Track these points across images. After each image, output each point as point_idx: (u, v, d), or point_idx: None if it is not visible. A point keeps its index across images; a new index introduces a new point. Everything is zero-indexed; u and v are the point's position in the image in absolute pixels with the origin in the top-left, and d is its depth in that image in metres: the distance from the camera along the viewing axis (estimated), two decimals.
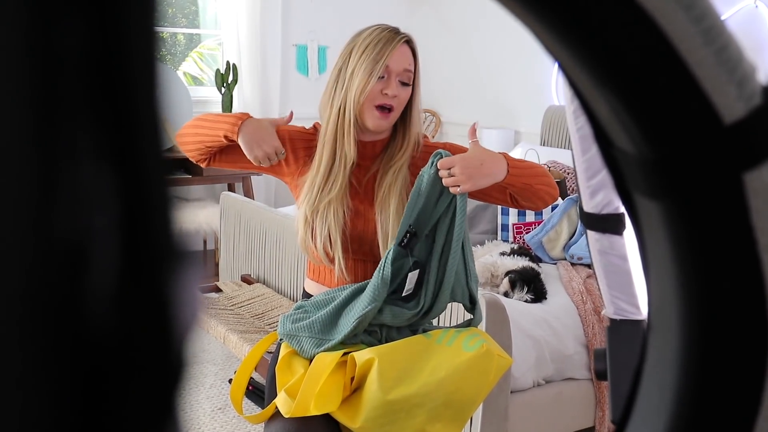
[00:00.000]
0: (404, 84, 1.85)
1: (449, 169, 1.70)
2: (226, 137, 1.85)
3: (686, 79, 0.36)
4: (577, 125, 0.77)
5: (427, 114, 6.17)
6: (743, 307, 0.38)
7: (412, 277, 1.73)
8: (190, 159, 2.00)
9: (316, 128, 1.96)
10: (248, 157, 1.85)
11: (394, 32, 1.86)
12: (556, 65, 0.42)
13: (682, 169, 0.38)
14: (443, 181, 1.70)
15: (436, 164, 1.72)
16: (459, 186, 1.69)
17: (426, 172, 1.74)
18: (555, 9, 0.35)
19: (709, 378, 0.40)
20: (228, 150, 1.93)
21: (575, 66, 0.37)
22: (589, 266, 3.32)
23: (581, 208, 0.83)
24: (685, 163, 0.37)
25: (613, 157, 0.41)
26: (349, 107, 1.83)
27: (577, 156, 0.80)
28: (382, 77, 1.83)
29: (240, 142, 1.83)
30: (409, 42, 1.87)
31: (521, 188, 1.80)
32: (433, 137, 5.93)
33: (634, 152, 0.39)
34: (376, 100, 1.82)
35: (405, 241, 1.71)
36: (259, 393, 3.10)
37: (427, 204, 1.73)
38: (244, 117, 1.87)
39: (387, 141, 1.92)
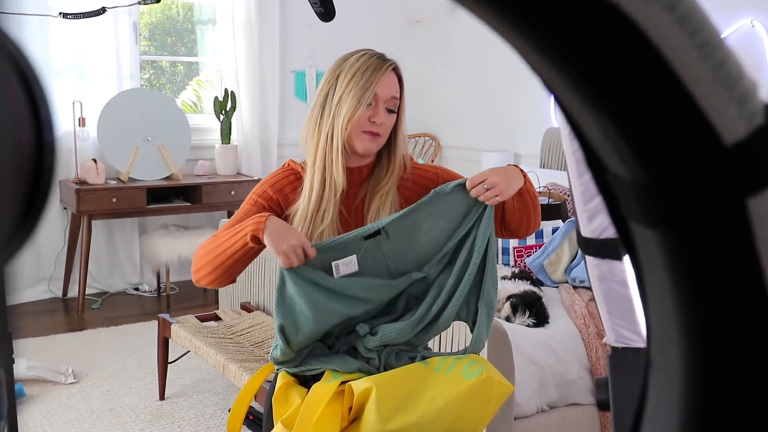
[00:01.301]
0: (390, 111, 1.85)
1: (482, 183, 1.76)
2: (253, 238, 1.77)
3: (682, 97, 0.33)
4: (572, 148, 0.75)
5: (427, 138, 6.16)
6: (750, 343, 0.35)
7: (350, 260, 1.77)
8: (219, 287, 1.94)
9: (289, 165, 1.95)
10: (275, 251, 1.76)
11: (382, 59, 1.85)
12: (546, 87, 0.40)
13: (680, 194, 0.35)
14: (482, 196, 1.76)
15: (464, 185, 1.78)
16: (499, 195, 1.75)
17: (442, 191, 1.80)
18: (539, 26, 0.33)
19: (714, 421, 0.37)
20: (254, 255, 1.87)
21: (563, 86, 0.35)
22: (591, 289, 3.29)
23: (579, 233, 0.81)
24: (684, 189, 0.35)
25: (607, 183, 0.39)
26: (336, 134, 1.82)
27: (573, 179, 0.77)
28: (370, 104, 1.82)
29: (266, 238, 1.75)
30: (395, 69, 1.87)
31: (531, 198, 1.85)
32: (433, 161, 5.91)
33: (629, 177, 0.36)
34: (363, 127, 1.82)
35: (370, 235, 1.77)
36: (259, 422, 3.06)
37: (439, 224, 1.79)
38: (265, 215, 1.80)
39: (372, 165, 1.91)
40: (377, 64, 1.83)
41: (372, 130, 1.82)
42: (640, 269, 0.40)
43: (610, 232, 0.78)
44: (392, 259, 1.79)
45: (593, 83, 0.33)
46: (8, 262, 0.25)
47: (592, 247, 0.79)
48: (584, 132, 0.38)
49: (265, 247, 1.79)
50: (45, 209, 0.31)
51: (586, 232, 0.79)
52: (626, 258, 0.82)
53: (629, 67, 0.33)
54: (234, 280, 1.89)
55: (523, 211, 1.87)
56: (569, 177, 0.78)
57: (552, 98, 0.74)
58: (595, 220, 0.77)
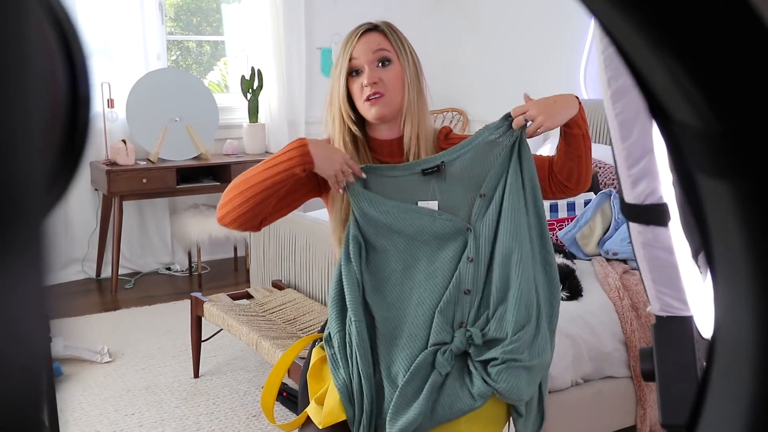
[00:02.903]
0: (384, 63, 1.78)
1: (524, 114, 1.72)
2: (302, 167, 1.69)
3: (761, 34, 0.30)
4: (615, 110, 0.72)
5: (455, 113, 6.11)
6: None
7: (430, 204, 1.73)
8: (241, 228, 1.80)
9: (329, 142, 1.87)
10: (325, 175, 1.70)
11: (353, 31, 1.81)
12: (598, 38, 0.37)
13: (757, 141, 0.32)
14: (526, 131, 1.72)
15: (510, 123, 1.74)
16: (541, 127, 1.70)
17: (490, 131, 1.76)
18: None
19: None
20: (286, 195, 1.79)
21: (631, 28, 0.32)
22: (625, 261, 3.25)
23: (622, 200, 0.78)
24: (761, 134, 0.31)
25: (672, 133, 0.36)
26: (342, 113, 1.79)
27: (616, 144, 0.75)
28: (353, 73, 1.78)
29: (317, 161, 1.68)
30: (375, 28, 1.80)
31: (582, 135, 1.77)
32: None
33: (699, 125, 0.34)
34: (361, 96, 1.77)
35: (430, 170, 1.71)
36: (293, 399, 3.07)
37: (484, 165, 1.72)
38: (303, 141, 1.72)
39: (402, 138, 1.84)
40: (352, 33, 1.79)
41: (368, 95, 1.76)
42: (707, 228, 0.38)
43: (655, 197, 0.75)
44: (443, 200, 1.73)
45: (666, 21, 0.31)
46: (45, 216, 0.24)
47: (636, 213, 0.77)
48: (649, 79, 0.35)
49: (304, 175, 1.73)
50: (80, 165, 0.29)
51: (630, 198, 0.76)
52: (672, 224, 0.80)
53: (704, 5, 0.30)
54: (259, 226, 1.79)
55: (572, 152, 1.76)
56: (612, 142, 0.76)
57: (605, 49, 0.72)
58: (639, 185, 0.75)
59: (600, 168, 4.04)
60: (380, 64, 1.77)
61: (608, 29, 0.35)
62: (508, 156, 1.72)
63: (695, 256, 0.79)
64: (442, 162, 1.71)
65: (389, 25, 1.82)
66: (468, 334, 1.64)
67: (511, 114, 1.74)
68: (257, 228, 1.81)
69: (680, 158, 0.36)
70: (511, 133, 1.73)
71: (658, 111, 0.36)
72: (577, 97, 1.77)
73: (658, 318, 0.83)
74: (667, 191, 0.75)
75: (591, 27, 4.82)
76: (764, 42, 0.30)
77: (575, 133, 1.75)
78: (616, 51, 0.35)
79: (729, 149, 0.34)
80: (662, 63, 0.32)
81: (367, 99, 1.76)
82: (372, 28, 1.80)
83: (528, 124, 1.72)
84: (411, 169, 1.72)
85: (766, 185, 0.33)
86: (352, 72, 1.78)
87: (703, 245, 0.39)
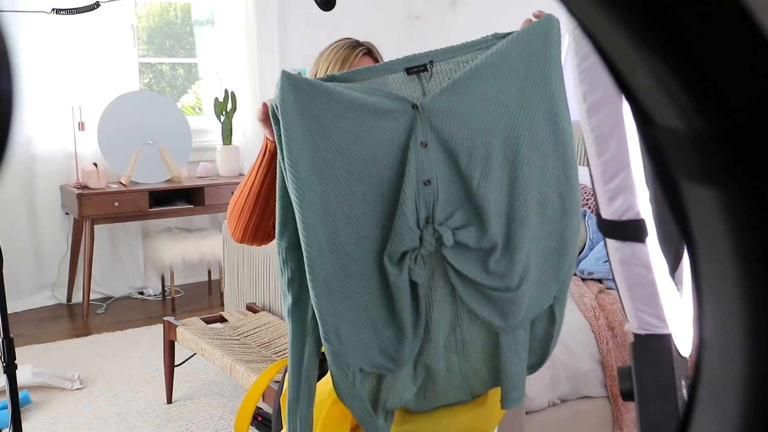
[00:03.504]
0: None
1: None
2: (269, 148, 1.59)
3: (751, 29, 0.29)
4: (591, 125, 0.71)
5: None
6: None
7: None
8: (260, 237, 1.70)
9: None
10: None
11: (352, 47, 1.80)
12: (573, 53, 0.36)
13: (748, 143, 0.30)
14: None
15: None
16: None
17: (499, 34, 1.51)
18: None
19: None
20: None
21: (611, 25, 0.31)
22: (600, 281, 3.25)
23: (599, 216, 0.77)
24: (753, 136, 0.30)
25: (655, 139, 0.34)
26: None
27: (592, 159, 0.74)
28: None
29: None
30: (369, 52, 1.81)
31: None
32: None
33: (684, 128, 0.32)
34: None
35: (415, 69, 1.42)
36: (268, 423, 3.03)
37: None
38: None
39: None
40: (346, 54, 1.78)
41: None
42: (692, 237, 0.36)
43: (632, 213, 0.74)
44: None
45: (650, 17, 0.29)
46: None
47: (613, 229, 0.75)
48: (632, 81, 0.34)
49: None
50: (2, 168, 0.27)
51: (606, 214, 0.75)
52: (649, 240, 0.79)
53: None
54: (270, 235, 1.68)
55: None
56: (588, 158, 0.75)
57: (580, 63, 0.71)
58: (616, 200, 0.74)
59: None
60: None
61: (589, 30, 0.33)
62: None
63: (672, 272, 0.79)
64: (431, 60, 1.44)
65: (378, 51, 1.85)
66: (437, 234, 1.38)
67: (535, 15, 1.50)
68: (270, 239, 1.69)
69: (663, 165, 0.34)
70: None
71: (640, 116, 0.34)
72: None
73: (636, 336, 0.81)
74: (644, 207, 0.74)
75: (565, 48, 4.85)
76: (753, 39, 0.29)
77: None
78: (597, 53, 0.33)
79: (716, 153, 0.32)
80: (645, 62, 0.31)
81: None
82: (367, 52, 1.81)
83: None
84: (392, 69, 1.43)
85: (756, 190, 0.31)
86: None
87: (689, 258, 0.37)
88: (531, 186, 1.39)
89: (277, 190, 1.42)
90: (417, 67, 1.42)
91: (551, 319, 1.54)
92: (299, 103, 1.37)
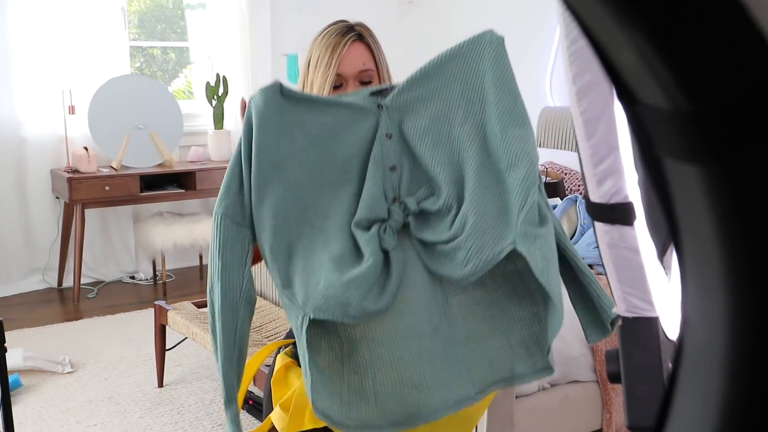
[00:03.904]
0: (364, 83, 1.79)
1: None
2: None
3: (735, 7, 0.29)
4: (580, 108, 0.71)
5: None
6: None
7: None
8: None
9: None
10: None
11: (341, 34, 1.79)
12: (564, 35, 0.36)
13: (730, 121, 0.30)
14: None
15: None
16: None
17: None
18: None
19: (765, 382, 0.33)
20: None
21: (595, 2, 0.31)
22: (591, 267, 3.26)
23: (588, 199, 0.78)
24: (735, 114, 0.30)
25: (639, 117, 0.34)
26: None
27: (581, 142, 0.74)
28: (339, 85, 1.78)
29: None
30: (361, 37, 1.80)
31: None
32: None
33: (668, 106, 0.32)
34: None
35: (377, 92, 1.56)
36: (259, 407, 3.04)
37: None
38: None
39: None
40: (336, 42, 1.77)
41: None
42: (676, 217, 0.36)
43: (620, 196, 0.75)
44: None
45: None
46: None
47: (601, 212, 0.76)
48: (616, 59, 0.34)
49: None
50: None
51: (595, 197, 0.76)
52: (638, 223, 0.79)
53: None
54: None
55: None
56: (577, 141, 0.75)
57: (570, 45, 0.71)
58: (604, 183, 0.74)
59: (566, 174, 4.07)
60: (362, 82, 1.79)
61: (575, 9, 0.33)
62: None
63: (660, 256, 0.79)
64: (392, 86, 1.58)
65: (369, 32, 1.82)
66: (402, 205, 1.48)
67: None
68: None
69: (647, 144, 0.34)
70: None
71: (625, 95, 0.34)
72: None
73: (624, 319, 0.82)
74: (632, 190, 0.74)
75: (557, 34, 4.85)
76: (737, 17, 0.29)
77: None
78: (583, 33, 0.33)
79: (699, 131, 0.32)
80: (630, 40, 0.31)
81: None
82: (357, 38, 1.79)
83: None
84: (359, 94, 1.56)
85: (739, 168, 0.31)
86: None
87: (672, 237, 0.37)
88: (475, 154, 1.52)
89: (229, 164, 1.49)
90: (380, 91, 1.58)
91: (523, 260, 1.48)
92: (279, 104, 1.48)
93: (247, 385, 1.87)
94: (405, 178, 1.52)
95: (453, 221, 1.47)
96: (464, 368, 1.50)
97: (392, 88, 1.57)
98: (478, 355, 1.52)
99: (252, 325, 3.16)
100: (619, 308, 0.82)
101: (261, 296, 3.50)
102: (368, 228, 1.45)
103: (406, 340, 1.46)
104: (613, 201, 0.75)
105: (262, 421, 1.85)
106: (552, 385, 2.74)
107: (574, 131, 0.77)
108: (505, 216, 1.48)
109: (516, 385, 1.60)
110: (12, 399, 3.29)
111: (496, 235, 1.46)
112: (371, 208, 1.46)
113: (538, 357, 1.58)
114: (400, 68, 1.87)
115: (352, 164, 1.50)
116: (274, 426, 1.70)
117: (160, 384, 3.51)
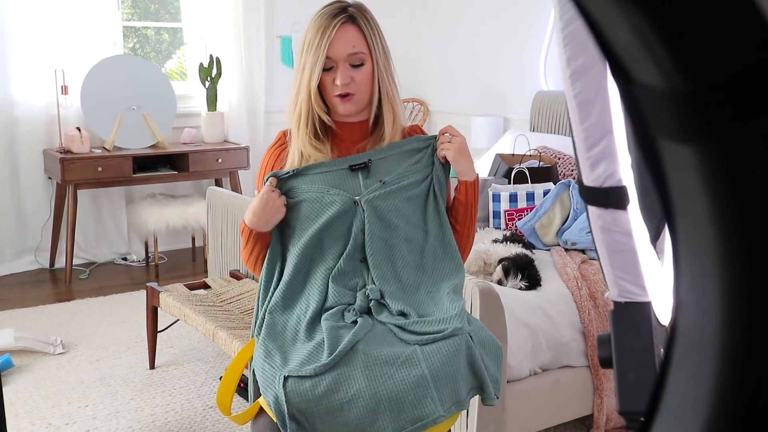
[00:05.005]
0: (356, 66, 1.79)
1: (446, 138, 1.86)
2: (260, 233, 1.85)
3: None
4: (574, 90, 0.71)
5: (415, 103, 6.10)
6: None
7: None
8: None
9: (280, 138, 1.95)
10: (274, 210, 1.81)
11: (333, 16, 1.77)
12: (558, 17, 0.35)
13: (726, 100, 0.29)
14: (440, 141, 1.86)
15: (438, 135, 1.90)
16: (449, 151, 1.83)
17: (421, 137, 1.92)
18: None
19: (759, 364, 0.33)
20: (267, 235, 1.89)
21: None
22: (583, 251, 3.27)
23: (581, 183, 0.77)
24: (730, 94, 0.29)
25: (634, 97, 0.34)
26: (312, 103, 1.79)
27: (575, 125, 0.73)
28: (329, 68, 1.77)
29: (263, 223, 1.82)
30: (353, 19, 1.79)
31: (474, 200, 1.91)
32: (422, 125, 5.86)
33: (663, 86, 0.31)
34: (334, 92, 1.78)
35: (358, 166, 1.84)
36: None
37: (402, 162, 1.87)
38: (242, 225, 1.87)
39: (375, 118, 1.88)
40: (326, 24, 1.77)
41: (340, 93, 1.78)
42: (670, 198, 0.35)
43: (614, 180, 0.74)
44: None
45: None
46: None
47: (595, 196, 0.75)
48: (612, 38, 0.33)
49: (272, 227, 1.85)
50: None
51: (588, 181, 0.75)
52: (631, 207, 0.79)
53: None
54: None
55: (467, 208, 1.89)
56: (571, 125, 0.74)
57: (564, 27, 0.70)
58: (598, 167, 0.74)
59: (559, 159, 4.06)
60: (353, 65, 1.78)
61: None
62: (425, 163, 1.88)
63: (654, 241, 0.79)
64: (369, 159, 1.83)
65: (363, 14, 1.80)
66: (366, 292, 1.79)
67: (439, 133, 1.90)
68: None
69: (642, 126, 0.33)
70: (432, 147, 1.91)
71: (620, 74, 0.33)
72: (478, 177, 1.93)
73: (616, 304, 0.82)
74: (626, 174, 0.73)
75: (551, 17, 4.83)
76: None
77: (461, 199, 1.91)
78: (579, 11, 0.32)
79: (695, 110, 0.31)
80: (626, 17, 0.30)
81: (338, 96, 1.79)
82: (348, 20, 1.77)
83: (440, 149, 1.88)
84: (339, 165, 1.83)
85: (735, 149, 0.30)
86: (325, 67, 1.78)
87: (666, 220, 0.36)
88: (412, 258, 1.87)
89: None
90: (358, 165, 1.84)
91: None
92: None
93: (239, 373, 1.87)
94: (371, 265, 1.81)
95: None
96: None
97: (370, 162, 1.84)
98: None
99: (244, 308, 3.16)
100: (612, 293, 0.82)
101: (253, 279, 3.50)
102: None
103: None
104: (607, 185, 0.75)
105: (250, 403, 1.85)
106: (544, 370, 2.75)
107: (567, 115, 0.76)
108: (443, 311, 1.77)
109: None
110: (3, 379, 3.28)
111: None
112: (339, 297, 1.79)
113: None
114: (395, 53, 1.88)
115: (333, 238, 1.84)
116: (262, 408, 1.70)
117: (152, 366, 3.51)
